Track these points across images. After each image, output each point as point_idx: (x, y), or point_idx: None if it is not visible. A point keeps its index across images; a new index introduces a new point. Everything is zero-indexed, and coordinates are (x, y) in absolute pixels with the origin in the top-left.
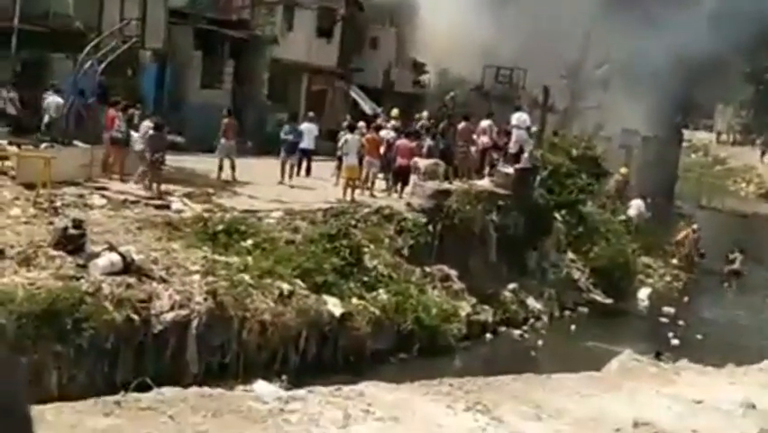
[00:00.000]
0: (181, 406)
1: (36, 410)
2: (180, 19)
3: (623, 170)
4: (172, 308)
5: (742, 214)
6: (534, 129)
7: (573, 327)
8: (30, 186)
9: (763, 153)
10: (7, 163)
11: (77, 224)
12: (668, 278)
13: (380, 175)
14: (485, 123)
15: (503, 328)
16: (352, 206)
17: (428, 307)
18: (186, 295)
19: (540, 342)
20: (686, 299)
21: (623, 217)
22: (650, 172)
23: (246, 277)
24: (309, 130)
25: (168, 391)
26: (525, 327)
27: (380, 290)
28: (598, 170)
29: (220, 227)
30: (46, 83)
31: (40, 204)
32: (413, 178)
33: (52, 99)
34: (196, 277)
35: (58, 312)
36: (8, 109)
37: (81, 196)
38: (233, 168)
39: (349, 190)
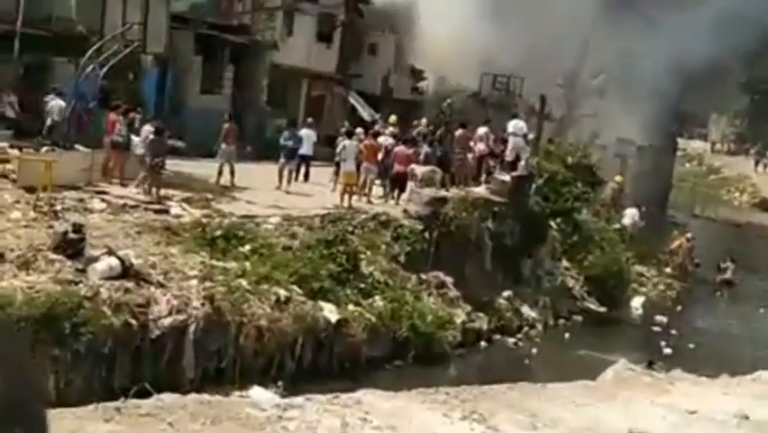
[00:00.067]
0: (180, 413)
1: None
2: (181, 24)
3: (618, 178)
4: (170, 313)
5: (735, 223)
6: (531, 136)
7: (567, 335)
8: (30, 189)
9: (756, 163)
10: (8, 166)
11: (77, 228)
12: (661, 287)
13: (378, 181)
14: (482, 130)
15: (498, 336)
16: (349, 212)
17: (424, 314)
18: (183, 300)
19: (534, 350)
20: (679, 308)
21: (617, 226)
22: (645, 181)
23: (243, 282)
24: (308, 136)
25: (167, 398)
26: (519, 335)
27: (376, 297)
28: (594, 179)
29: (218, 233)
30: (48, 87)
31: (40, 207)
32: (410, 184)
33: (55, 103)
34: (194, 282)
35: (56, 316)
36: (7, 112)
37: (81, 200)
38: (232, 173)
39: (346, 196)
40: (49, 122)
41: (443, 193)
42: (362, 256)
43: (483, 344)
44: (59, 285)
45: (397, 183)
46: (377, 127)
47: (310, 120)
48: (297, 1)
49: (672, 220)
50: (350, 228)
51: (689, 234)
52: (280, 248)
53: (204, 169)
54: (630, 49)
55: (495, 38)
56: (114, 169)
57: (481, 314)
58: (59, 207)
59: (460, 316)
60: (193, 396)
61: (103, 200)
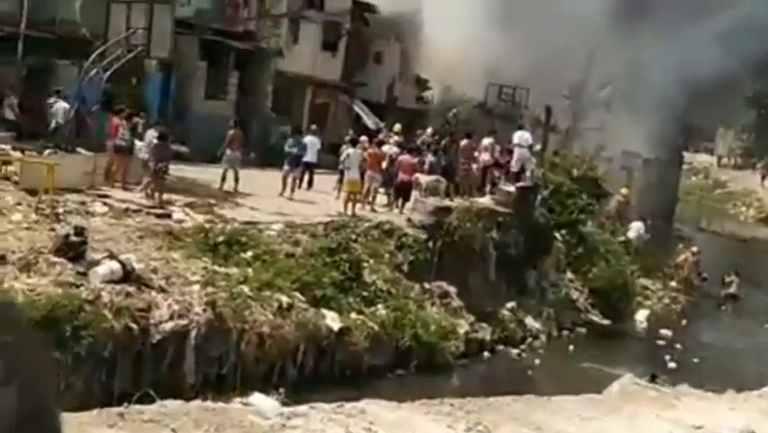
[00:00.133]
0: (184, 419)
1: None
2: (186, 29)
3: (623, 191)
4: (171, 318)
5: (741, 238)
6: (537, 148)
7: (571, 347)
8: (32, 192)
9: (763, 178)
10: (10, 168)
11: (79, 231)
12: (666, 300)
13: (382, 190)
14: (487, 140)
15: (501, 347)
16: (352, 220)
17: (427, 323)
18: (185, 305)
19: (537, 361)
20: (684, 321)
21: (622, 238)
22: (650, 194)
23: (245, 289)
24: (312, 143)
25: (171, 404)
26: (522, 347)
27: (379, 306)
28: (599, 191)
29: (221, 238)
30: (50, 89)
31: (42, 210)
32: (414, 194)
33: (60, 105)
34: (196, 287)
35: (57, 319)
36: (6, 114)
37: (83, 203)
38: (236, 179)
39: (350, 204)
40: (53, 124)
41: (447, 203)
42: (365, 265)
43: (486, 354)
44: (60, 288)
45: (401, 192)
46: (381, 136)
47: (314, 127)
48: (302, 9)
49: (677, 234)
50: (353, 236)
51: (694, 248)
52: (283, 255)
53: (207, 174)
54: (637, 61)
55: (501, 48)
56: (117, 173)
57: (485, 324)
58: (60, 210)
59: (463, 326)
60: (196, 403)
61: (105, 204)
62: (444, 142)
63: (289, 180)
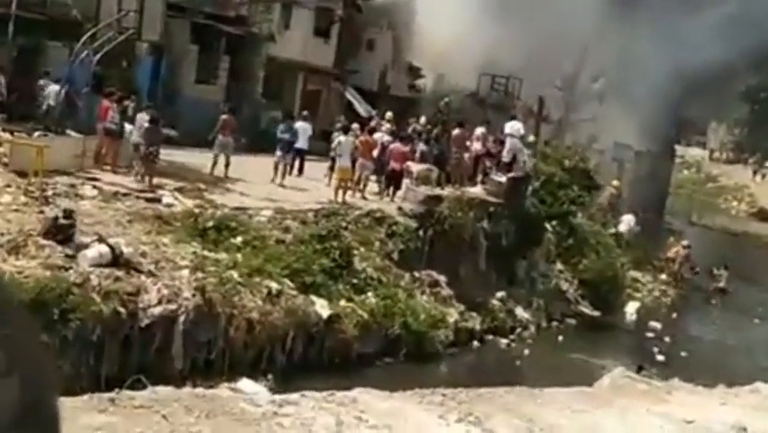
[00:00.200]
0: (175, 406)
1: None
2: (178, 12)
3: (615, 183)
4: (160, 303)
5: (732, 232)
6: (530, 138)
7: (560, 338)
8: (22, 174)
9: (755, 172)
10: (0, 150)
11: (68, 214)
12: (656, 293)
13: (373, 178)
14: (479, 130)
15: (490, 337)
16: (343, 207)
17: (416, 312)
18: (174, 290)
19: (526, 352)
20: (674, 315)
21: (613, 231)
22: (642, 187)
23: (235, 274)
24: (304, 129)
25: (161, 390)
26: (512, 337)
27: (369, 294)
28: (590, 183)
29: (210, 223)
30: (40, 70)
31: (31, 192)
32: (405, 182)
33: (53, 88)
34: (185, 272)
35: (45, 302)
36: None
37: (73, 186)
38: (227, 164)
39: (341, 192)
40: (45, 106)
41: (438, 192)
42: (356, 252)
43: (476, 344)
44: (49, 270)
45: (392, 180)
46: (373, 123)
47: (305, 113)
48: None
49: (668, 227)
50: (344, 224)
51: (685, 242)
52: (273, 241)
53: (196, 158)
54: (630, 53)
55: (494, 38)
56: (107, 156)
57: (474, 314)
58: (50, 193)
59: (452, 315)
60: (187, 389)
61: (94, 187)
62: (436, 131)
63: (280, 167)
